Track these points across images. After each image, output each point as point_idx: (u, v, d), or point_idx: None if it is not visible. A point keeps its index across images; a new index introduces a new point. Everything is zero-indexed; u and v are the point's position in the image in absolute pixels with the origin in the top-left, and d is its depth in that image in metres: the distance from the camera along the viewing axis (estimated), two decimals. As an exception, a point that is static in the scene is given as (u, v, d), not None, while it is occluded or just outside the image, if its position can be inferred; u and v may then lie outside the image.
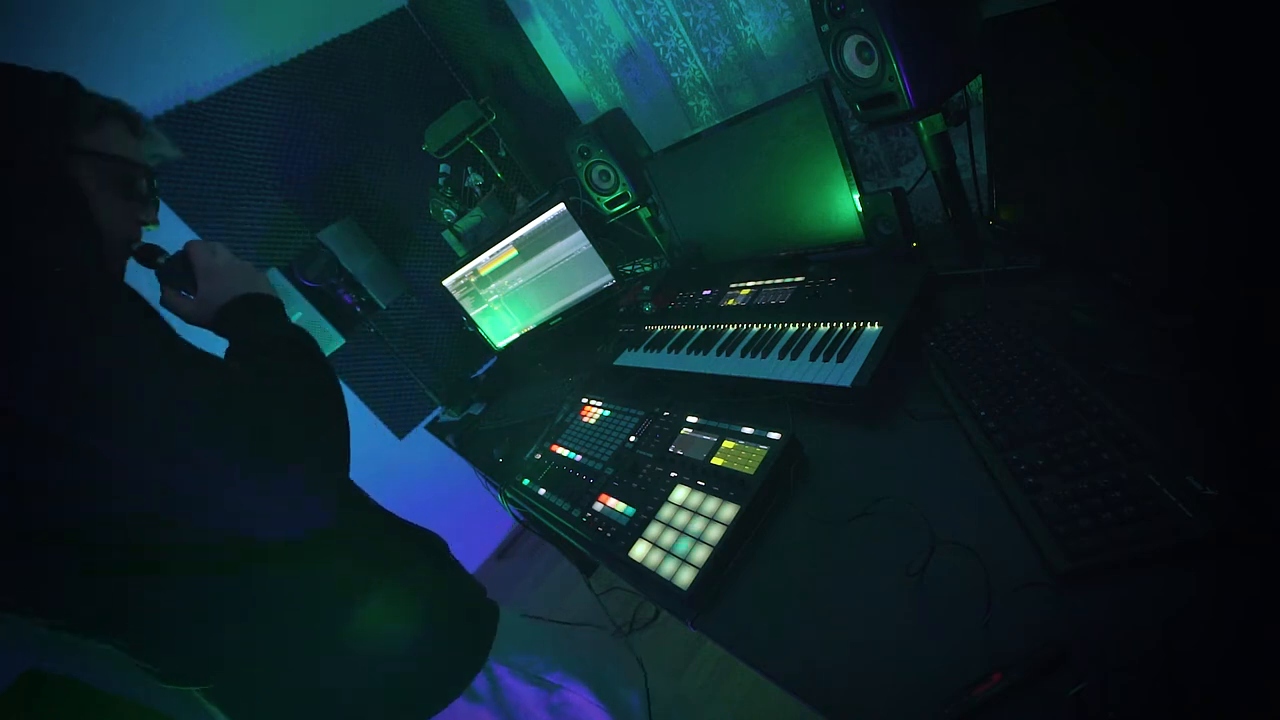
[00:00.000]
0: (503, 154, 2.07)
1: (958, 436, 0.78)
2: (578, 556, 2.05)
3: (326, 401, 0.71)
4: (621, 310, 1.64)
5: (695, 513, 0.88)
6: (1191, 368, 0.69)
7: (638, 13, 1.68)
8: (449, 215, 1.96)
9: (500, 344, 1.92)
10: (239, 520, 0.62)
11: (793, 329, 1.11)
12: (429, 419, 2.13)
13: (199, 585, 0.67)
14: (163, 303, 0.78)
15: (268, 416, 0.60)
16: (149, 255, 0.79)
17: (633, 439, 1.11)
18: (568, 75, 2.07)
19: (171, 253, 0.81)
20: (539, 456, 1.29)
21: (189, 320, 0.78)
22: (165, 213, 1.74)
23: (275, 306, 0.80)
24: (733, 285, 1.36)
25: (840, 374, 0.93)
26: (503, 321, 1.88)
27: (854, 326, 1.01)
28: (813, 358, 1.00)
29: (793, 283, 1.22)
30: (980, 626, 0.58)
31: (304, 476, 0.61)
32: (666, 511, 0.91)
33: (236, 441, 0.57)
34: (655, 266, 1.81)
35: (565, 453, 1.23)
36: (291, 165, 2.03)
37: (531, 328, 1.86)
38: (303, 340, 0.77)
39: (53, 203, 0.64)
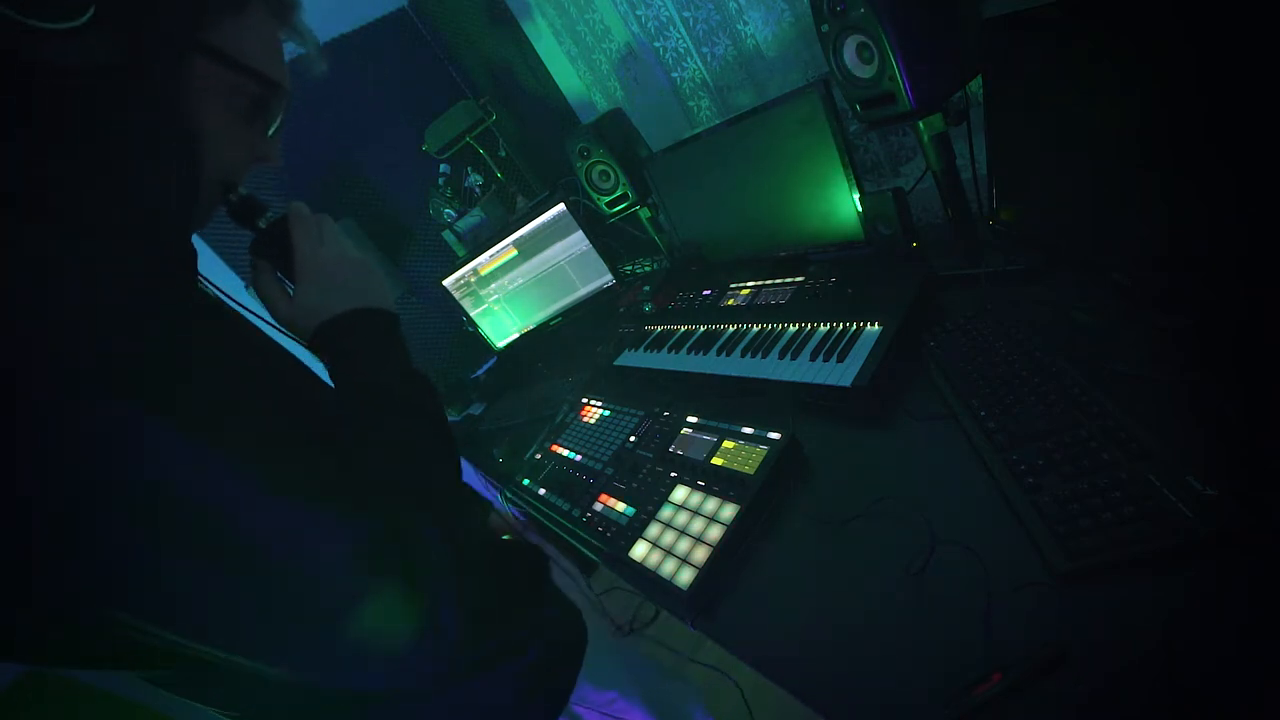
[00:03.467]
0: (503, 154, 2.07)
1: (958, 436, 0.78)
2: (578, 556, 2.05)
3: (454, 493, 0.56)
4: (621, 310, 1.64)
5: (695, 513, 0.88)
6: (1191, 368, 0.69)
7: (638, 13, 1.68)
8: (449, 215, 1.96)
9: (500, 344, 1.92)
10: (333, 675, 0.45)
11: (793, 329, 1.11)
12: (429, 419, 2.12)
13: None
14: (253, 285, 0.60)
15: (420, 559, 0.45)
16: (249, 210, 0.58)
17: (633, 439, 1.11)
18: (568, 75, 2.07)
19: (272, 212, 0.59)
20: (539, 456, 1.29)
21: (280, 325, 0.59)
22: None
23: (393, 327, 0.61)
24: (733, 285, 1.36)
25: (840, 374, 0.93)
26: (503, 321, 1.88)
27: (854, 326, 1.01)
28: (813, 358, 1.00)
29: (793, 283, 1.22)
30: (980, 626, 0.58)
31: (455, 627, 0.45)
32: (666, 511, 0.91)
33: (392, 583, 0.42)
34: (655, 266, 1.81)
35: (565, 453, 1.23)
36: (291, 165, 2.03)
37: (531, 328, 1.86)
38: (428, 394, 0.59)
39: (163, 141, 0.43)
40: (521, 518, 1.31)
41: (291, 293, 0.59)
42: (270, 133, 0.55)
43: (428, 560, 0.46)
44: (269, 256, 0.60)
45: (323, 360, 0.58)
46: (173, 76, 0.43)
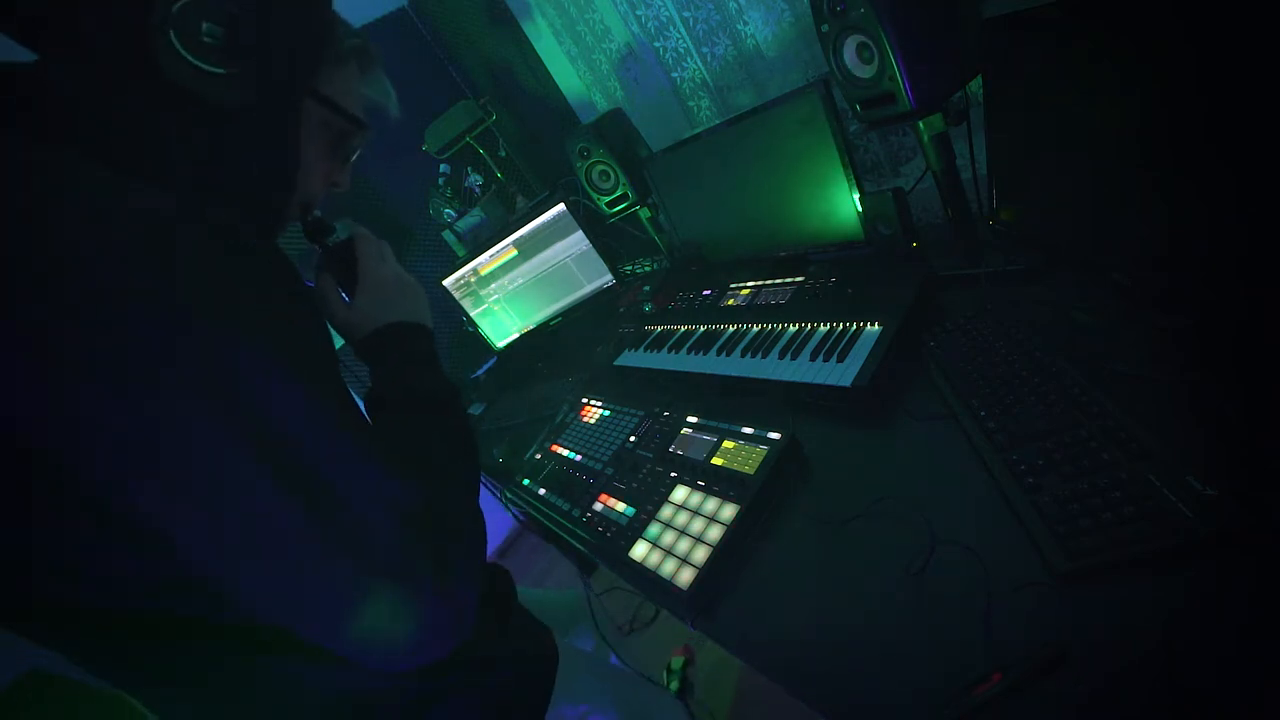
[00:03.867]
0: (503, 154, 2.07)
1: (958, 436, 0.78)
2: (578, 556, 2.05)
3: (473, 499, 0.59)
4: (621, 310, 1.64)
5: (695, 513, 0.88)
6: (1191, 368, 0.69)
7: (638, 13, 1.68)
8: (449, 215, 1.96)
9: (500, 344, 1.92)
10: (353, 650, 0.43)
11: (793, 329, 1.11)
12: (429, 419, 2.13)
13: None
14: (316, 289, 0.68)
15: (455, 526, 0.48)
16: (321, 230, 0.67)
17: (633, 439, 1.11)
18: (568, 75, 2.07)
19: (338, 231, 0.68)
20: (539, 456, 1.29)
21: (335, 328, 0.66)
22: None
23: (430, 341, 0.68)
24: (733, 285, 1.36)
25: (840, 374, 0.93)
26: (503, 321, 1.88)
27: (854, 326, 1.01)
28: (813, 358, 1.00)
29: (793, 283, 1.22)
30: (980, 626, 0.58)
31: (472, 601, 0.47)
32: (666, 511, 0.91)
33: (425, 560, 0.43)
34: (655, 266, 1.81)
35: (565, 453, 1.23)
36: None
37: (531, 328, 1.86)
38: (459, 402, 0.64)
39: (270, 150, 0.53)
40: (522, 518, 1.31)
41: (348, 302, 0.68)
42: (349, 161, 0.65)
43: (460, 539, 0.49)
44: (334, 270, 0.69)
45: (368, 361, 0.66)
46: (292, 117, 0.54)
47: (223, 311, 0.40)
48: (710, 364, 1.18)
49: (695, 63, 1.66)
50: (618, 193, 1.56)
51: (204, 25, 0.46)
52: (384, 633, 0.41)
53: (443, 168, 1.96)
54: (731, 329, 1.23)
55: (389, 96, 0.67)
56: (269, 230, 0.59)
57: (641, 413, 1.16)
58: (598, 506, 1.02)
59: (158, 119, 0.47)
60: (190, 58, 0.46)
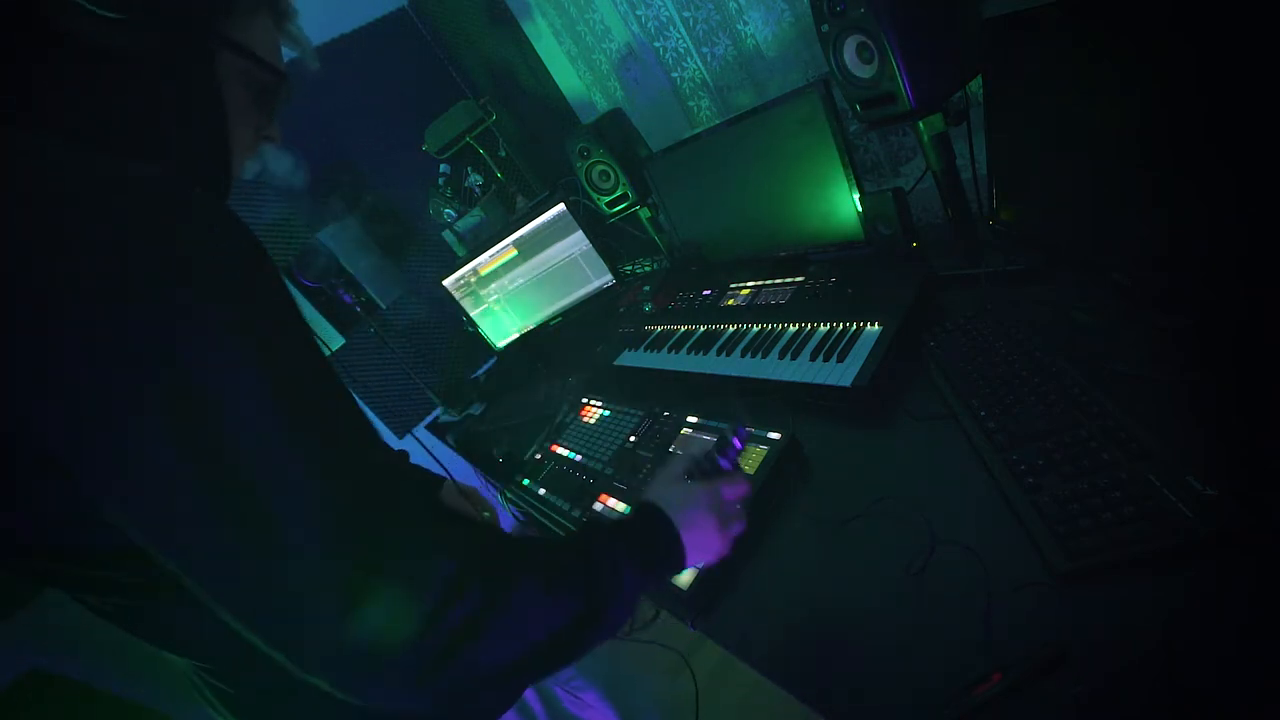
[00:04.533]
0: (503, 154, 2.07)
1: (958, 436, 0.78)
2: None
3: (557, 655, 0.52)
4: (621, 310, 1.64)
5: (695, 513, 0.87)
6: (1191, 368, 0.69)
7: (638, 13, 1.68)
8: (449, 215, 1.96)
9: (500, 344, 1.92)
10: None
11: (793, 329, 1.11)
12: (429, 419, 2.12)
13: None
14: (680, 461, 0.73)
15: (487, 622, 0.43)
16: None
17: (633, 439, 1.11)
18: (568, 75, 2.07)
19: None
20: (539, 456, 1.29)
21: (647, 486, 0.70)
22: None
23: (665, 564, 0.64)
24: (733, 285, 1.36)
25: (840, 374, 0.93)
26: (503, 321, 1.88)
27: (854, 326, 1.01)
28: (813, 358, 1.00)
29: (793, 283, 1.22)
30: (980, 626, 0.58)
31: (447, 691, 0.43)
32: (666, 511, 0.91)
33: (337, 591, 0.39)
34: (655, 266, 1.81)
35: (565, 453, 1.23)
36: (291, 165, 2.02)
37: (531, 328, 1.86)
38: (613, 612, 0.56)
39: (197, 107, 0.53)
40: (521, 518, 1.31)
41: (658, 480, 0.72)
42: (275, 113, 0.64)
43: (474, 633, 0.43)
44: (696, 474, 0.73)
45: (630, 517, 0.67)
46: (204, 63, 0.54)
47: (168, 285, 0.39)
48: (710, 364, 1.18)
49: (695, 63, 1.66)
50: (618, 193, 1.56)
51: None
52: (286, 643, 0.41)
53: (443, 168, 1.96)
54: (731, 329, 1.23)
55: (306, 48, 0.66)
56: (220, 188, 0.58)
57: (641, 413, 1.16)
58: (598, 506, 1.02)
59: (66, 76, 0.46)
60: (100, 10, 0.44)
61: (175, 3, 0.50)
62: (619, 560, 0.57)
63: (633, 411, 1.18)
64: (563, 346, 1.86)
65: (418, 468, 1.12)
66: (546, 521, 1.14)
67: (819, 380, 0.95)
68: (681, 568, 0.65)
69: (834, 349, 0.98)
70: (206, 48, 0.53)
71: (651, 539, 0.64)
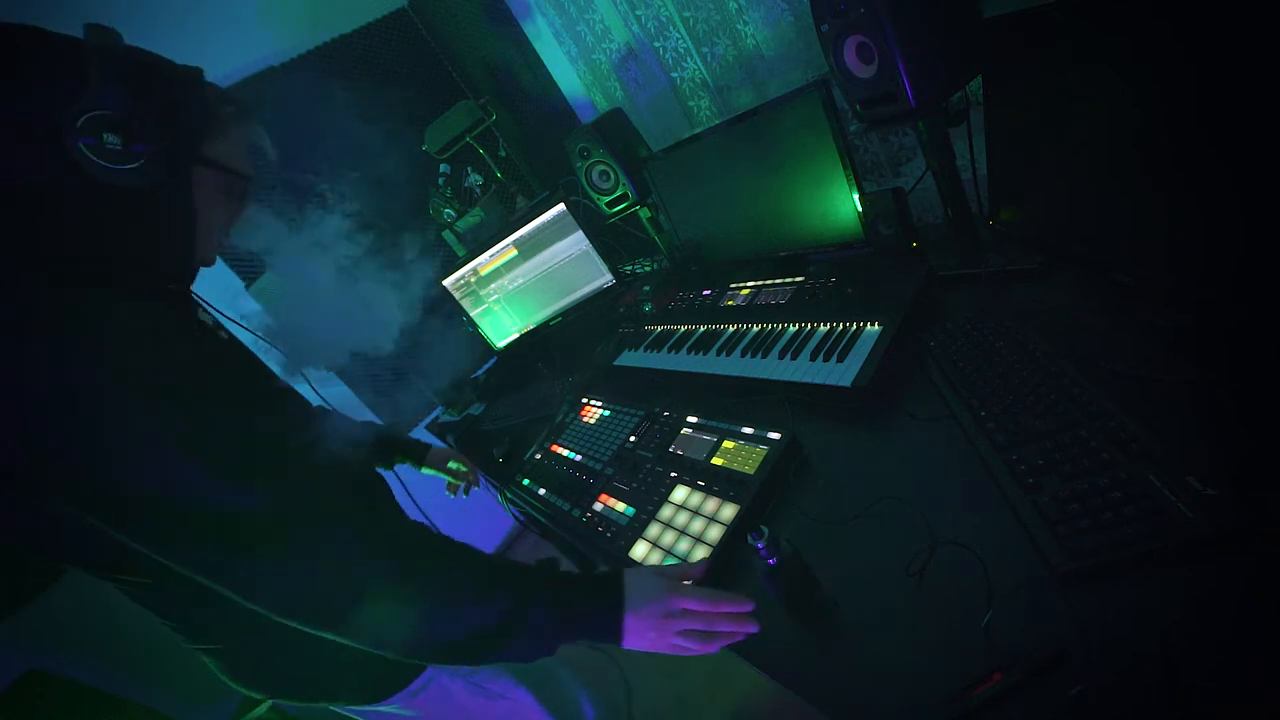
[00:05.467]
0: (503, 154, 2.07)
1: (958, 436, 0.78)
2: (578, 557, 2.05)
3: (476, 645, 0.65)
4: (621, 310, 1.64)
5: (695, 513, 0.88)
6: (1191, 368, 0.69)
7: (638, 13, 1.68)
8: (449, 215, 1.96)
9: (500, 344, 1.92)
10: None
11: (793, 329, 1.11)
12: (429, 419, 2.12)
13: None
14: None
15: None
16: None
17: (633, 439, 1.11)
18: (568, 75, 2.07)
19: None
20: (539, 456, 1.29)
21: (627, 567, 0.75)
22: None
23: (600, 636, 0.70)
24: (733, 285, 1.36)
25: (840, 374, 0.93)
26: (503, 321, 1.88)
27: (854, 326, 1.01)
28: (813, 358, 1.00)
29: (793, 283, 1.22)
30: (980, 626, 0.58)
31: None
32: (666, 511, 0.91)
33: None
34: (655, 266, 1.81)
35: (565, 453, 1.23)
36: (290, 165, 2.02)
37: (531, 328, 1.86)
38: (533, 641, 0.67)
39: (166, 220, 0.64)
40: (521, 518, 1.32)
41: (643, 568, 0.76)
42: (242, 207, 0.76)
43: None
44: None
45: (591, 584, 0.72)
46: (184, 184, 0.65)
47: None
48: (710, 364, 1.18)
49: (695, 63, 1.66)
50: (618, 193, 1.56)
51: (105, 138, 0.56)
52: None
53: (443, 168, 1.95)
54: (731, 329, 1.23)
55: (265, 141, 0.78)
56: (183, 281, 0.72)
57: (641, 413, 1.16)
58: (598, 506, 1.02)
59: (56, 215, 0.58)
60: (103, 163, 0.56)
61: (168, 136, 0.60)
62: (538, 600, 0.66)
63: (633, 411, 1.18)
64: (563, 346, 1.86)
65: (403, 439, 1.33)
66: (547, 521, 1.14)
67: (819, 380, 0.95)
68: (617, 640, 0.69)
69: (834, 349, 0.98)
70: (187, 171, 0.64)
71: (590, 600, 0.70)
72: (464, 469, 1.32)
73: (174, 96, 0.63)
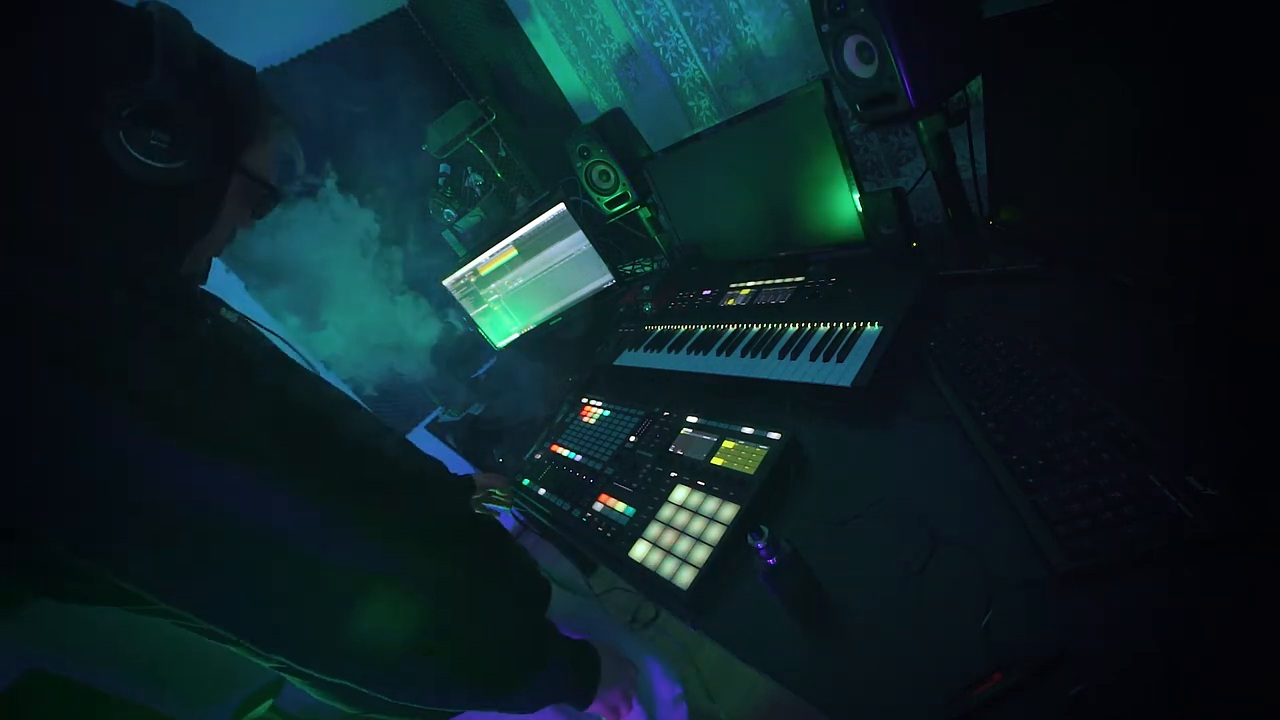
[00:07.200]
0: (503, 154, 2.07)
1: (958, 436, 0.78)
2: (578, 556, 2.05)
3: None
4: (621, 310, 1.64)
5: (695, 513, 0.88)
6: (1191, 368, 0.69)
7: (638, 13, 1.68)
8: (449, 215, 1.96)
9: (500, 344, 1.92)
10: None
11: (793, 329, 1.11)
12: (429, 419, 2.12)
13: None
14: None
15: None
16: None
17: (633, 439, 1.11)
18: (568, 75, 2.07)
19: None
20: (539, 456, 1.29)
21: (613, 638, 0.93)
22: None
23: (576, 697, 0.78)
24: (733, 285, 1.36)
25: (840, 374, 0.93)
26: (503, 321, 1.88)
27: (854, 326, 1.01)
28: (813, 358, 1.00)
29: (793, 283, 1.22)
30: (980, 626, 0.58)
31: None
32: (666, 511, 0.91)
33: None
34: (655, 266, 1.81)
35: (565, 453, 1.23)
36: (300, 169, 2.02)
37: (531, 328, 1.86)
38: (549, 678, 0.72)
39: (184, 225, 0.60)
40: (522, 518, 1.32)
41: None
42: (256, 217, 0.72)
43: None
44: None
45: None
46: (220, 187, 0.62)
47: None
48: (710, 364, 1.18)
49: (695, 63, 1.66)
50: (618, 193, 1.56)
51: (151, 133, 0.52)
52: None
53: (443, 168, 1.96)
54: (731, 329, 1.23)
55: (297, 153, 0.76)
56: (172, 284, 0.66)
57: (641, 413, 1.16)
58: (598, 506, 1.02)
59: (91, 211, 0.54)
60: (140, 156, 0.52)
61: (213, 141, 0.57)
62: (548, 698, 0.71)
63: (633, 411, 1.18)
64: (563, 346, 1.87)
65: (449, 478, 1.12)
66: (547, 521, 1.14)
67: (819, 380, 0.95)
68: (585, 703, 0.77)
69: (834, 349, 0.98)
70: (224, 178, 0.61)
71: (591, 669, 0.78)
72: (501, 494, 1.24)
73: (230, 100, 0.60)
